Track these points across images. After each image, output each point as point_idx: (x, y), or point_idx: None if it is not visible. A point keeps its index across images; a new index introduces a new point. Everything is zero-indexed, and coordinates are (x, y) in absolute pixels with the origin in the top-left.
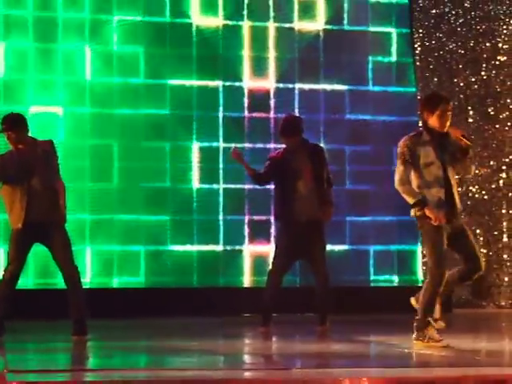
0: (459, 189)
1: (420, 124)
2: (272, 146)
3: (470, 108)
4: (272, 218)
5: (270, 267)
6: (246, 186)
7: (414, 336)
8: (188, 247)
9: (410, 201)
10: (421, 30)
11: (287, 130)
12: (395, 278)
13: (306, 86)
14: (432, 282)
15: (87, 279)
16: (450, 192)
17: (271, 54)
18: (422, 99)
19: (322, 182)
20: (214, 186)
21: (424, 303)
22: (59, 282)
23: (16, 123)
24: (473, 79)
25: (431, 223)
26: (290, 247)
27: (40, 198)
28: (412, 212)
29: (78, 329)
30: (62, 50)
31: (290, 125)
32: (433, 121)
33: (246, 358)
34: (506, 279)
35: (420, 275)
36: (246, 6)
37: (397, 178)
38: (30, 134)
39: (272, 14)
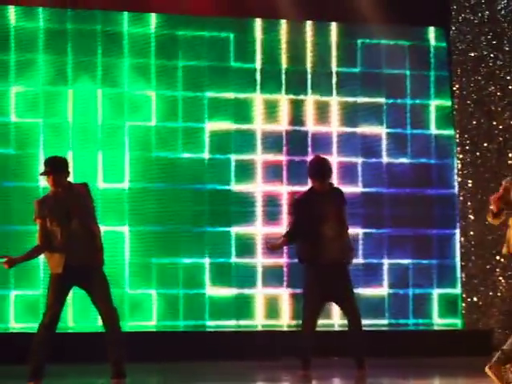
0: None
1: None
2: None
3: (509, 151)
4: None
5: (303, 312)
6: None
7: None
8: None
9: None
10: (459, 73)
11: (321, 173)
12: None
13: (344, 129)
14: None
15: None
16: None
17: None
18: None
19: (345, 226)
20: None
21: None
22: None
23: (58, 166)
24: None
25: None
26: (319, 290)
27: (79, 242)
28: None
29: (116, 371)
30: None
31: (324, 168)
32: None
33: None
34: None
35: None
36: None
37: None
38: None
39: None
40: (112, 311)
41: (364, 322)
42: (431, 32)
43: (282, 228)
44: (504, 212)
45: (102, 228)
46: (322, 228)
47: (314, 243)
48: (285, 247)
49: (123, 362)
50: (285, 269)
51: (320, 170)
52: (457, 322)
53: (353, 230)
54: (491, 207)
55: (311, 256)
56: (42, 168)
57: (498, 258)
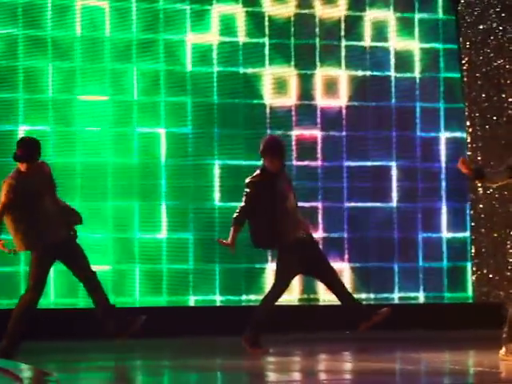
0: None
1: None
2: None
3: None
4: None
5: (278, 289)
6: None
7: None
8: None
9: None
10: (468, 46)
11: (277, 152)
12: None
13: (353, 103)
14: None
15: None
16: None
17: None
18: None
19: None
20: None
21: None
22: None
23: (28, 146)
24: None
25: None
26: (298, 267)
27: (54, 218)
28: None
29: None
30: None
31: (280, 146)
32: None
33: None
34: None
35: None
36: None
37: None
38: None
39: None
40: (92, 273)
41: (374, 296)
42: (440, 5)
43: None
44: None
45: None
46: (286, 206)
47: (282, 221)
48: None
49: (115, 316)
50: None
51: (276, 147)
52: (467, 295)
53: (363, 205)
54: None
55: (283, 235)
56: None
57: (508, 230)
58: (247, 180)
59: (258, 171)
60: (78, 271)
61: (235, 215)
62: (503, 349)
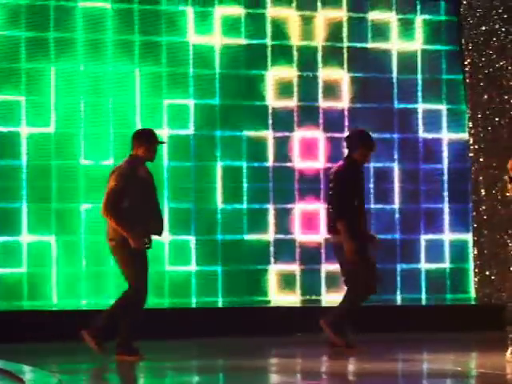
0: None
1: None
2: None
3: None
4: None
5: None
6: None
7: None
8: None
9: None
10: (470, 47)
11: (370, 144)
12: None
13: (355, 105)
14: None
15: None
16: None
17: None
18: None
19: None
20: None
21: None
22: None
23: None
24: None
25: None
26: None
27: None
28: None
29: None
30: None
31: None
32: None
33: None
34: None
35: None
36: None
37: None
38: None
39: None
40: None
41: (377, 297)
42: (442, 6)
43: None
44: None
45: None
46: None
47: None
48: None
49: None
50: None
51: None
52: (469, 297)
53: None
54: (506, 177)
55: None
56: None
57: (510, 232)
58: (336, 172)
59: (344, 162)
60: None
61: (345, 214)
62: (509, 350)
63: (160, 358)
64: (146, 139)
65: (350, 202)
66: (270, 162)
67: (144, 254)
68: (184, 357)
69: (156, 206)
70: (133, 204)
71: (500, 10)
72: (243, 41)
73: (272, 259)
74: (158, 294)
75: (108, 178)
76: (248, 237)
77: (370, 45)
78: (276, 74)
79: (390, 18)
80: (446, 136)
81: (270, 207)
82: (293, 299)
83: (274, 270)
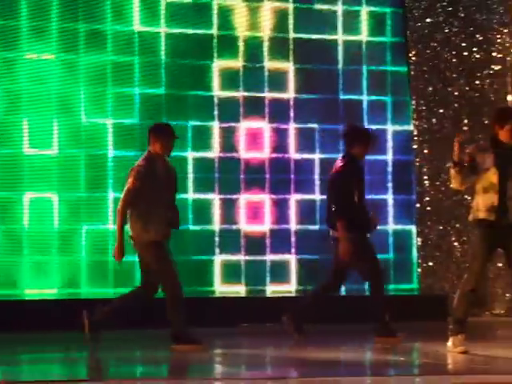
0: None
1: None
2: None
3: (464, 117)
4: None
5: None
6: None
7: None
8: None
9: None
10: (415, 39)
11: (368, 140)
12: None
13: (301, 96)
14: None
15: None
16: (504, 201)
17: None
18: (494, 112)
19: None
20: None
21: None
22: None
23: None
24: (467, 88)
25: (481, 231)
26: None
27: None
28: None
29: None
30: None
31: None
32: (503, 134)
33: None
34: (502, 287)
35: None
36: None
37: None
38: None
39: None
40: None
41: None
42: None
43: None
44: (464, 175)
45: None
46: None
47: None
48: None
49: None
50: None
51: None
52: (413, 287)
53: (310, 197)
54: (452, 168)
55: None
56: None
57: (453, 223)
58: (336, 170)
59: (343, 159)
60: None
61: (346, 214)
62: (449, 341)
63: (109, 350)
64: (162, 134)
65: (350, 201)
66: (215, 153)
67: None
68: (129, 348)
69: (173, 199)
70: (149, 202)
71: (444, 3)
72: (190, 31)
73: (217, 250)
74: (105, 283)
75: (127, 175)
76: (193, 227)
77: (316, 36)
78: (222, 65)
79: (336, 9)
80: (390, 127)
81: (216, 197)
82: (238, 289)
83: (219, 260)
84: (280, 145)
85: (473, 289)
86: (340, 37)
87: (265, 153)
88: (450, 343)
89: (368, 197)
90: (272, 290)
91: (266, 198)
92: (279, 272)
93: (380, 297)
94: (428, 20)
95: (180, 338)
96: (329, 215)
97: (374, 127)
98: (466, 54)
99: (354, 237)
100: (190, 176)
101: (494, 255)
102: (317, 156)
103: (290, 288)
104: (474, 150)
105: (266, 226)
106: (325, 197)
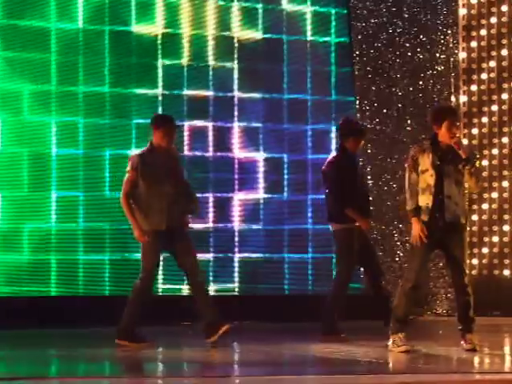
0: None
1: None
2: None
3: (408, 117)
4: None
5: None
6: None
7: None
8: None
9: (407, 209)
10: (359, 39)
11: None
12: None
13: (245, 95)
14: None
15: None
16: (441, 201)
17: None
18: (430, 112)
19: None
20: None
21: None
22: None
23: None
24: (411, 88)
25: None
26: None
27: (173, 204)
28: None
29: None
30: None
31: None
32: (441, 134)
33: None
34: (443, 287)
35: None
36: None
37: (405, 183)
38: None
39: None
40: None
41: (264, 286)
42: None
43: None
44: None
45: None
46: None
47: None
48: None
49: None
50: None
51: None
52: (356, 286)
53: (254, 196)
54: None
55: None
56: None
57: (396, 223)
58: (330, 163)
59: (337, 152)
60: (180, 262)
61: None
62: (390, 340)
63: (42, 346)
64: (161, 124)
65: (349, 190)
66: None
67: (154, 242)
68: (73, 345)
69: (186, 188)
70: (148, 193)
71: (389, 3)
72: (134, 28)
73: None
74: (47, 282)
75: None
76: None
77: (261, 35)
78: (167, 64)
79: (281, 8)
80: (334, 127)
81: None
82: (180, 288)
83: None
84: (223, 143)
85: (413, 286)
86: (285, 36)
87: (209, 152)
88: (390, 342)
89: (312, 196)
90: (215, 288)
91: (209, 196)
92: (220, 271)
93: (339, 296)
94: (372, 20)
95: (127, 334)
96: (329, 209)
97: (317, 127)
98: (409, 54)
99: (352, 228)
100: None
101: (432, 254)
102: (262, 155)
103: (234, 286)
104: (416, 151)
105: (208, 224)
106: (269, 196)
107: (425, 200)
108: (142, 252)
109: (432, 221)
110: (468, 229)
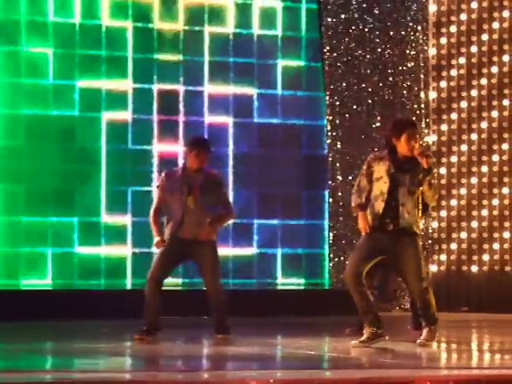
0: None
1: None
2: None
3: (377, 113)
4: None
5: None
6: None
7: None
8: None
9: (352, 205)
10: (330, 35)
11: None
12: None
13: (215, 89)
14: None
15: None
16: (396, 209)
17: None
18: (390, 124)
19: None
20: None
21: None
22: None
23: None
24: (381, 84)
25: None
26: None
27: (192, 218)
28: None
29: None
30: None
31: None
32: (400, 146)
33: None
34: None
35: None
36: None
37: (354, 187)
38: None
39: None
40: (218, 287)
41: (233, 281)
42: None
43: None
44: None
45: None
46: None
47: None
48: None
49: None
50: None
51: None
52: (324, 282)
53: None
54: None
55: None
56: None
57: None
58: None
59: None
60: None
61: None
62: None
63: (11, 341)
64: (192, 147)
65: None
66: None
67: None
68: (34, 340)
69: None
70: (167, 206)
71: (360, 0)
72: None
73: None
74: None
75: None
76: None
77: (232, 30)
78: (136, 57)
79: (252, 3)
80: (303, 122)
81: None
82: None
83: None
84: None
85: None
86: (255, 31)
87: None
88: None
89: (280, 192)
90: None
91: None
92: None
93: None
94: (343, 16)
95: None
96: None
97: (287, 122)
98: (379, 50)
99: None
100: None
101: (375, 257)
102: (231, 150)
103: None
104: (371, 159)
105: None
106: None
107: (376, 207)
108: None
109: (380, 226)
110: (437, 225)
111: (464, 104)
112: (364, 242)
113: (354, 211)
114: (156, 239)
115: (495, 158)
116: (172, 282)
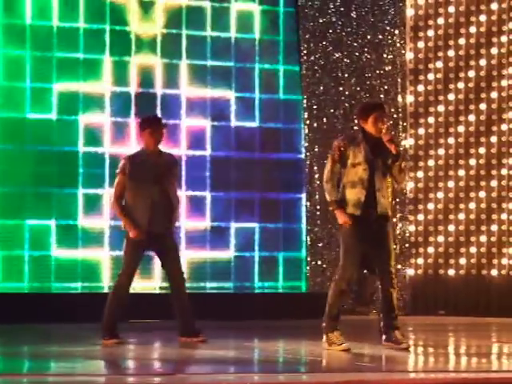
0: None
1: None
2: None
3: (355, 117)
4: None
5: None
6: None
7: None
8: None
9: (328, 199)
10: (307, 39)
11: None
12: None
13: (193, 92)
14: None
15: None
16: (374, 195)
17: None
18: (357, 108)
19: None
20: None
21: (328, 306)
22: None
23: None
24: (358, 88)
25: (347, 227)
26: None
27: (159, 209)
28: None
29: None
30: None
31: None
32: (368, 127)
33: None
34: None
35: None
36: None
37: (324, 175)
38: None
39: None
40: (181, 274)
41: (210, 284)
42: None
43: None
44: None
45: None
46: None
47: None
48: None
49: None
50: None
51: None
52: (301, 285)
53: (201, 194)
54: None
55: None
56: None
57: None
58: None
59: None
60: (164, 266)
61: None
62: (324, 338)
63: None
64: (147, 126)
65: None
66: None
67: (137, 243)
68: (9, 343)
69: (172, 195)
70: (134, 195)
71: (337, 3)
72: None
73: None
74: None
75: None
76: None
77: (210, 33)
78: (114, 60)
79: (229, 6)
80: (281, 126)
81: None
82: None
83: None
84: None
85: (347, 284)
86: (233, 34)
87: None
88: (324, 339)
89: (258, 195)
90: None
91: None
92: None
93: None
94: (320, 20)
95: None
96: None
97: (265, 126)
98: (357, 54)
99: None
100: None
101: (364, 249)
102: (208, 154)
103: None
104: (344, 144)
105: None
106: (216, 194)
107: (356, 194)
108: (123, 250)
109: (365, 215)
110: (414, 228)
111: (441, 108)
112: (352, 243)
113: (331, 206)
114: (133, 231)
115: (472, 161)
116: (149, 286)
